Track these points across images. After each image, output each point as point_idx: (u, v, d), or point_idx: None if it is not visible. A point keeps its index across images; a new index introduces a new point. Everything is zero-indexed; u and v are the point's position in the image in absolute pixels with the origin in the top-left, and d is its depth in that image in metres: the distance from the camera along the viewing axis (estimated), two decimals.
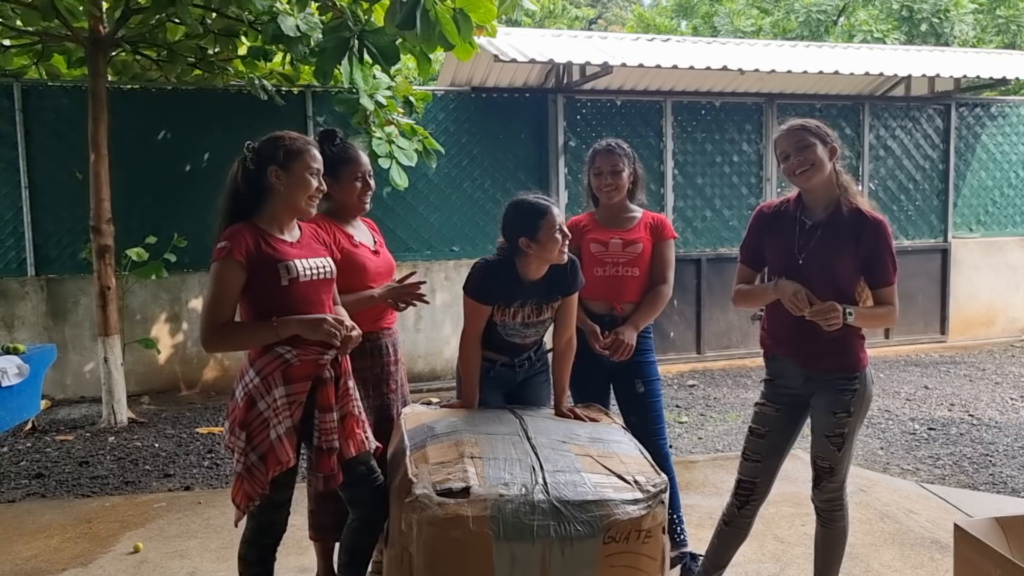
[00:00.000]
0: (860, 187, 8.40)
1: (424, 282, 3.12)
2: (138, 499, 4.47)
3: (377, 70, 6.28)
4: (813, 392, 2.90)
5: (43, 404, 6.44)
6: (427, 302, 3.13)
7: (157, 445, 5.48)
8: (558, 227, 2.94)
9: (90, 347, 6.69)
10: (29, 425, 5.82)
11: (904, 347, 8.59)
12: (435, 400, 5.94)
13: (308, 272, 2.53)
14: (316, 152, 2.61)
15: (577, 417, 3.06)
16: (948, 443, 5.41)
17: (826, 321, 2.68)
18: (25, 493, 4.63)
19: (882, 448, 5.33)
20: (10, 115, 6.58)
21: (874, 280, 2.83)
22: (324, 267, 2.61)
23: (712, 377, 7.58)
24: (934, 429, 5.73)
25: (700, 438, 5.64)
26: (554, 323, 3.17)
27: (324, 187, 2.64)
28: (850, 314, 2.73)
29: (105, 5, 5.94)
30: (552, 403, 3.21)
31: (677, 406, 6.52)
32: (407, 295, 3.05)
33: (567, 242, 2.99)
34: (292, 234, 2.62)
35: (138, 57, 6.75)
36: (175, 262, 6.52)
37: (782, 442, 2.99)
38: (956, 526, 2.36)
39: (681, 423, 6.02)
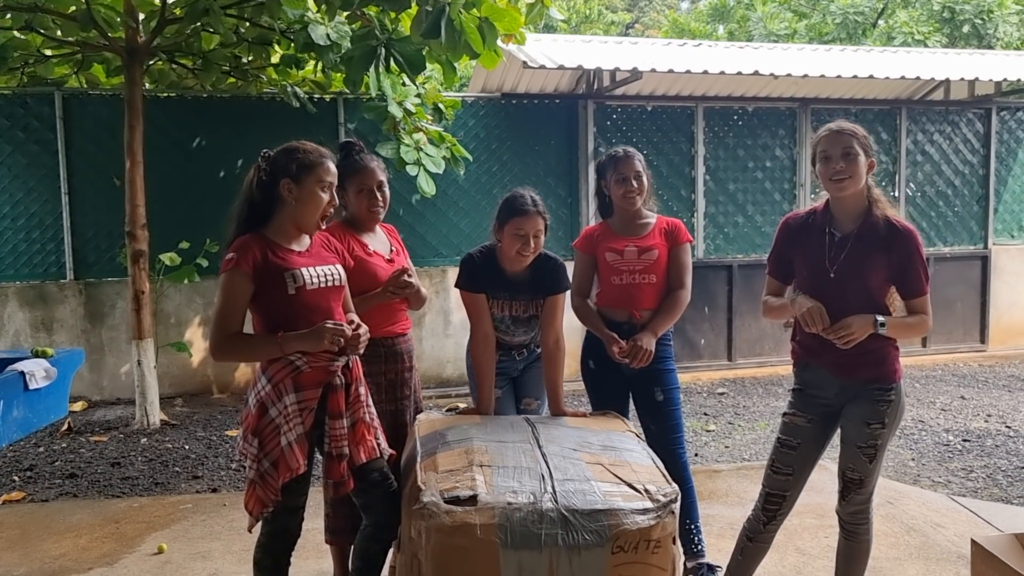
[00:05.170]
0: (896, 193, 8.26)
1: (405, 270, 3.09)
2: (165, 500, 4.55)
3: (405, 78, 6.33)
4: (846, 403, 2.85)
5: (80, 405, 6.62)
6: (410, 283, 3.07)
7: (187, 447, 5.57)
8: (523, 233, 3.06)
9: (126, 349, 6.83)
10: (65, 426, 5.96)
11: (942, 356, 8.41)
12: (462, 405, 5.94)
13: (315, 280, 2.56)
14: (330, 165, 2.62)
15: (575, 415, 3.19)
16: (983, 455, 5.28)
17: (841, 340, 2.65)
18: (58, 492, 4.74)
19: (913, 459, 5.23)
20: (51, 123, 6.77)
21: (907, 291, 2.78)
22: (332, 275, 2.64)
23: (743, 385, 7.50)
24: (969, 440, 5.60)
25: (727, 447, 5.59)
26: (540, 324, 3.25)
27: (336, 201, 2.66)
28: (883, 325, 2.69)
29: (141, 16, 6.07)
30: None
31: (705, 414, 6.46)
32: (397, 282, 3.05)
33: (528, 252, 3.09)
34: (301, 243, 2.65)
35: (174, 66, 6.89)
36: (207, 267, 6.64)
37: (813, 454, 2.93)
38: (973, 542, 2.31)
39: (709, 431, 5.96)
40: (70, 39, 6.16)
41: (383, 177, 3.18)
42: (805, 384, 2.94)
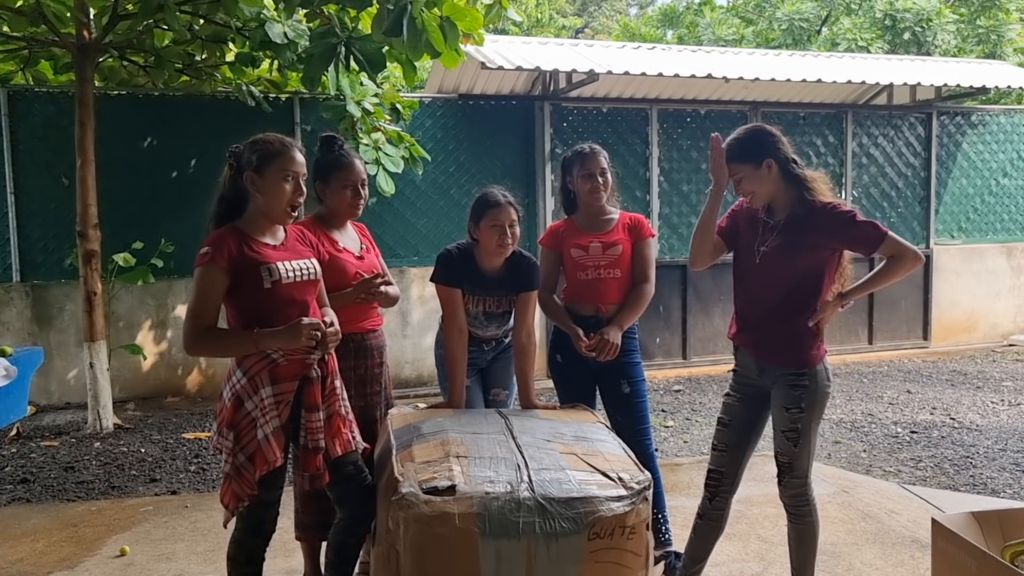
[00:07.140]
0: (843, 195, 8.48)
1: (379, 277, 3.12)
2: (124, 503, 4.46)
3: (364, 77, 6.32)
4: (770, 386, 2.96)
5: (28, 410, 6.43)
6: (379, 290, 3.11)
7: (143, 450, 5.47)
8: (499, 224, 3.11)
9: (75, 353, 6.68)
10: (14, 431, 5.80)
11: (887, 353, 8.67)
12: (421, 405, 5.94)
13: (291, 274, 2.55)
14: (295, 155, 2.57)
15: (546, 408, 3.24)
16: (930, 446, 5.47)
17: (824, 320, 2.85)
18: (10, 498, 4.62)
19: (865, 451, 5.39)
20: None
21: (868, 248, 2.84)
22: (308, 268, 2.63)
23: (698, 383, 7.63)
24: (916, 432, 5.79)
25: (685, 441, 5.69)
26: (513, 318, 3.31)
27: (303, 191, 2.60)
28: (842, 296, 2.86)
29: (93, 11, 5.95)
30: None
31: (663, 411, 6.56)
32: (367, 287, 3.08)
33: (506, 242, 3.14)
34: (276, 236, 2.64)
35: (125, 63, 6.76)
36: (162, 267, 6.53)
37: (745, 433, 3.04)
38: (934, 520, 2.41)
39: (667, 427, 6.06)
40: (17, 34, 6.01)
41: (365, 175, 3.19)
42: (738, 365, 3.09)
